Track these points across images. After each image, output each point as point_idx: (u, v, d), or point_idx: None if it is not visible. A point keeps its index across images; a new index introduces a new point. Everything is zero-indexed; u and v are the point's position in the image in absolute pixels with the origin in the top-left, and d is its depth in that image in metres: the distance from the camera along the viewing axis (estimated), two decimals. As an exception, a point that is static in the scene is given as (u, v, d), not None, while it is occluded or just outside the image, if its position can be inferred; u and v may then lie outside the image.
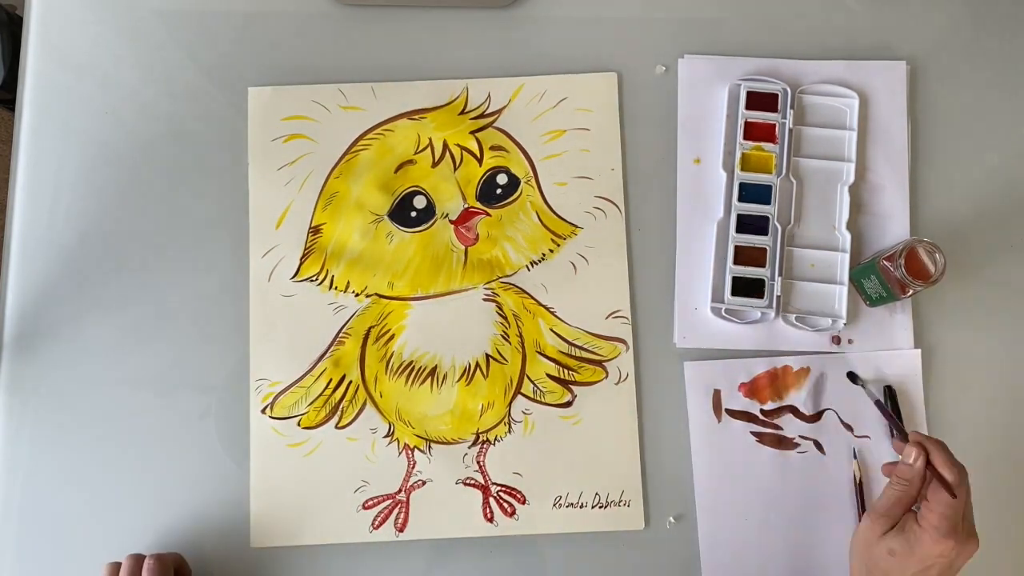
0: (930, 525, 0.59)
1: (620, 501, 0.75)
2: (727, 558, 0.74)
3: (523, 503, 0.75)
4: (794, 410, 0.76)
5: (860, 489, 0.75)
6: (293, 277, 0.77)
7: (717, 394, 0.76)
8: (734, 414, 0.76)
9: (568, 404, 0.76)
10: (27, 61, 0.80)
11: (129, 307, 0.76)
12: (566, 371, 0.76)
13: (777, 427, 0.76)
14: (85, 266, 0.77)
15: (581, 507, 0.75)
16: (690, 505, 0.74)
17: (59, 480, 0.71)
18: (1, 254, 0.78)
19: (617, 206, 0.78)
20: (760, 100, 0.79)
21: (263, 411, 0.75)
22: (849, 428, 0.76)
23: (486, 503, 0.75)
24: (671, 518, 0.74)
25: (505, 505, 0.75)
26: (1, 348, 0.76)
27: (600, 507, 0.75)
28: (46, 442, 0.75)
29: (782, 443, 0.76)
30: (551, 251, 0.78)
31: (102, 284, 0.77)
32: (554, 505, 0.75)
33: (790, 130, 0.78)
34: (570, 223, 0.78)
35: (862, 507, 0.74)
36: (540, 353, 0.77)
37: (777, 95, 0.79)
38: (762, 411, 0.76)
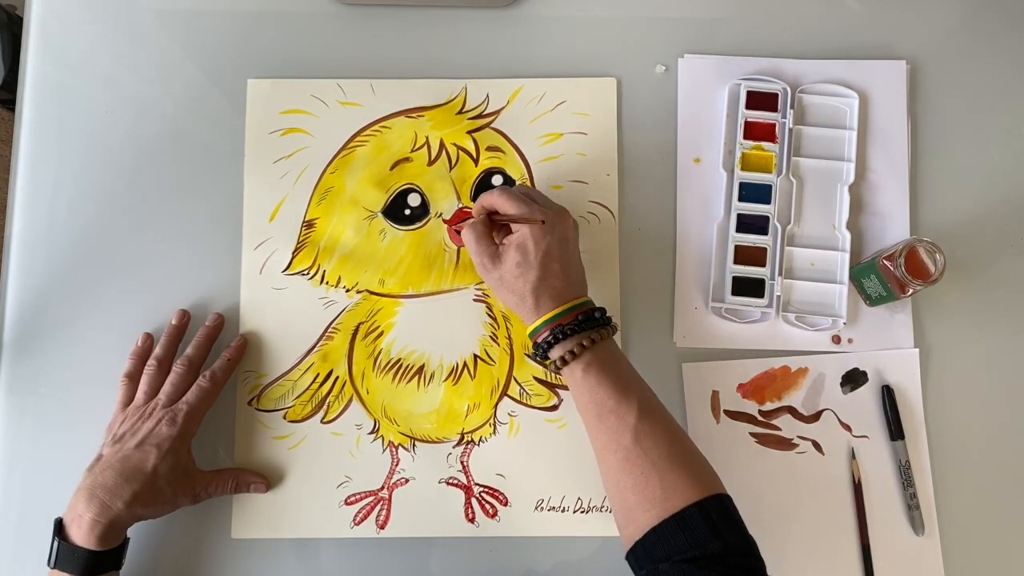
0: (516, 229, 0.68)
1: (603, 507, 0.74)
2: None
3: (505, 505, 0.75)
4: (792, 411, 0.76)
5: (859, 489, 0.75)
6: (285, 270, 0.77)
7: (715, 395, 0.76)
8: (732, 415, 0.76)
9: (554, 407, 0.76)
10: (27, 61, 0.80)
11: (129, 306, 0.77)
12: (553, 374, 0.76)
13: (776, 428, 0.76)
14: (85, 266, 0.77)
15: (563, 511, 0.74)
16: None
17: (59, 479, 0.71)
18: (1, 254, 0.78)
19: (611, 211, 0.78)
20: (760, 100, 0.79)
21: (249, 403, 0.76)
22: (848, 428, 0.76)
23: (468, 503, 0.75)
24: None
25: (487, 506, 0.75)
26: (1, 348, 0.76)
27: (583, 512, 0.74)
28: (46, 441, 0.75)
29: (781, 444, 0.76)
30: (543, 254, 0.78)
31: (102, 284, 0.77)
32: (536, 508, 0.75)
33: (790, 130, 0.78)
34: None
35: (861, 507, 0.74)
36: (528, 355, 0.77)
37: (777, 95, 0.79)
38: (760, 412, 0.76)
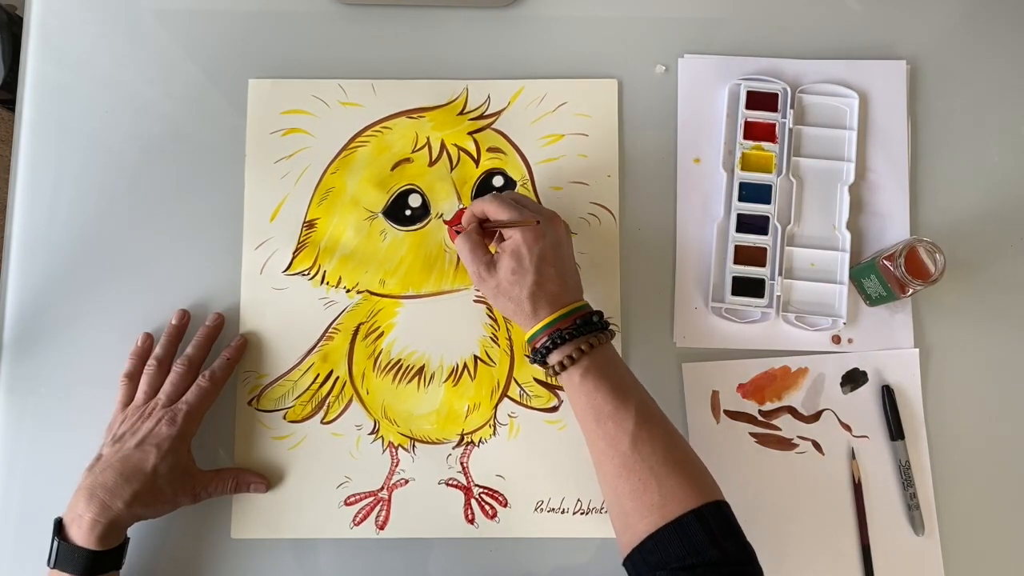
0: (508, 234, 0.68)
1: (602, 509, 0.74)
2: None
3: (504, 506, 0.75)
4: (792, 411, 0.76)
5: (859, 489, 0.74)
6: (285, 271, 0.77)
7: (715, 395, 0.76)
8: (732, 415, 0.76)
9: (554, 409, 0.76)
10: (27, 61, 0.80)
11: (129, 306, 0.77)
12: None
13: (776, 428, 0.76)
14: (85, 266, 0.77)
15: (563, 512, 0.74)
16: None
17: (59, 479, 0.71)
18: (1, 254, 0.78)
19: (612, 213, 0.78)
20: (760, 100, 0.79)
21: (249, 403, 0.76)
22: (848, 428, 0.76)
23: (468, 504, 0.75)
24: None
25: (487, 507, 0.75)
26: (1, 348, 0.76)
27: (582, 513, 0.74)
28: (46, 441, 0.75)
29: (781, 444, 0.76)
30: (543, 255, 0.78)
31: (102, 284, 0.77)
32: (536, 509, 0.75)
33: (790, 130, 0.78)
34: None
35: (861, 507, 0.74)
36: (528, 359, 0.76)
37: (777, 95, 0.79)
38: (760, 412, 0.76)
